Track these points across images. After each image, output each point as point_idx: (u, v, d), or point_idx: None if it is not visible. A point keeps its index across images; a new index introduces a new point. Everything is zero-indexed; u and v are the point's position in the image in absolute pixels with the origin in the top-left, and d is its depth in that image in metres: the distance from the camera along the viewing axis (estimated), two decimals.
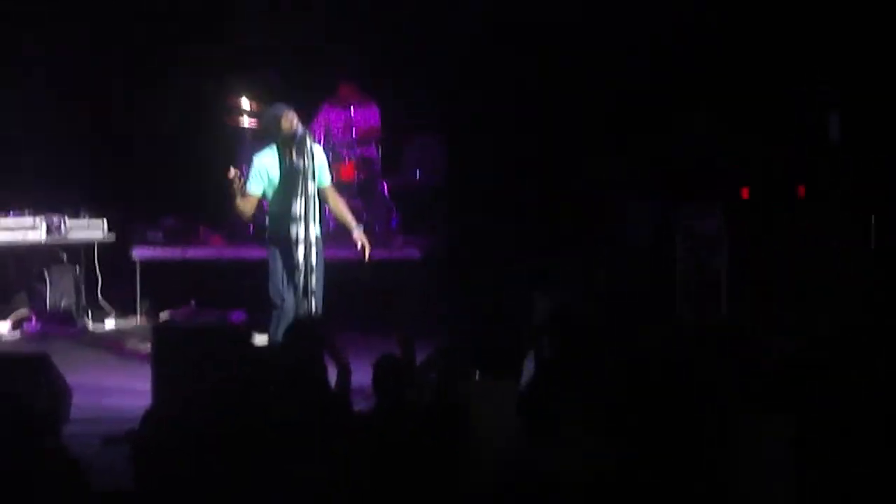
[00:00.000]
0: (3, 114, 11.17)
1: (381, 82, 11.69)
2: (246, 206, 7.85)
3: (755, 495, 4.84)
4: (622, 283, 9.86)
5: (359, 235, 8.00)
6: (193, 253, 11.04)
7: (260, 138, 8.92)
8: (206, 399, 5.34)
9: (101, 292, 10.81)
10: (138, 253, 10.95)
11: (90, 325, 10.62)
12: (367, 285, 10.09)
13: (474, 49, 11.66)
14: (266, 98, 10.96)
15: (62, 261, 10.73)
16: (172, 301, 10.67)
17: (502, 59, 11.65)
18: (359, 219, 9.02)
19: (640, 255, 10.53)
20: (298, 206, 7.65)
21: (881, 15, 10.49)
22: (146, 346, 8.64)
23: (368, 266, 9.06)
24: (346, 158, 11.32)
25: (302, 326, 6.61)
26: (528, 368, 6.21)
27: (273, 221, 7.88)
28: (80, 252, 10.77)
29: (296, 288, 7.67)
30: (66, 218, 10.57)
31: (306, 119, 9.94)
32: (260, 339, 8.07)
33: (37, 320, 10.44)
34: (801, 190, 10.65)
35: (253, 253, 10.14)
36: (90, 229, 10.74)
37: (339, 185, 10.80)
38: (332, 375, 7.20)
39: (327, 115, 11.59)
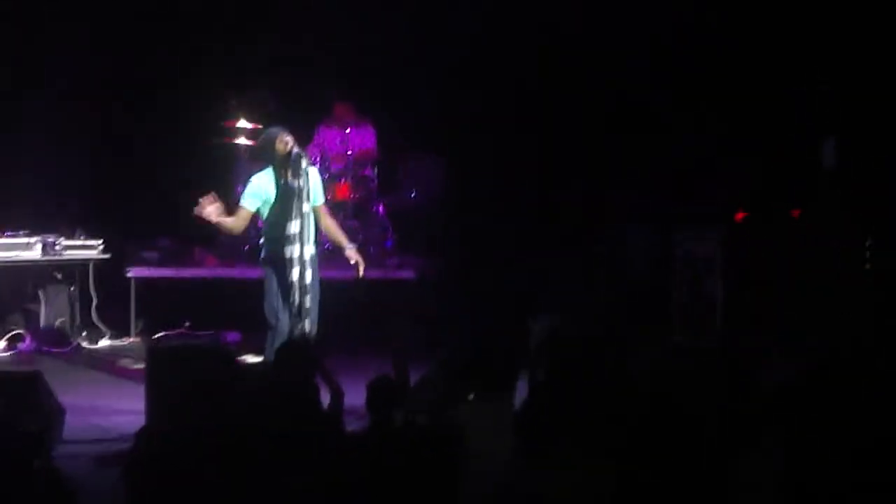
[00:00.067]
0: (4, 135, 11.20)
1: (377, 102, 11.71)
2: (237, 223, 7.89)
3: None
4: (618, 305, 9.86)
5: (352, 253, 8.06)
6: (188, 273, 11.06)
7: (256, 159, 8.94)
8: (198, 419, 5.33)
9: (96, 312, 10.82)
10: (133, 273, 10.96)
11: (84, 344, 10.61)
12: (362, 305, 10.10)
13: (469, 68, 11.69)
14: (262, 119, 11.01)
15: (57, 280, 10.73)
16: (167, 321, 10.67)
17: (498, 78, 11.68)
18: (354, 239, 9.04)
19: (636, 278, 10.53)
20: (293, 227, 7.69)
21: (878, 36, 10.52)
22: (139, 365, 8.62)
23: (363, 286, 9.08)
24: (343, 178, 11.34)
25: (293, 347, 6.61)
26: (521, 390, 6.21)
27: (268, 241, 7.91)
28: (75, 272, 10.78)
29: (291, 307, 7.69)
30: (62, 238, 10.57)
31: (303, 140, 9.98)
32: (253, 361, 8.07)
33: (31, 339, 10.43)
34: (796, 213, 10.65)
35: (247, 273, 10.15)
36: (85, 249, 10.75)
37: (335, 204, 10.85)
38: (326, 395, 7.19)
39: (323, 136, 11.62)
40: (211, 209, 7.72)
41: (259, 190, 7.84)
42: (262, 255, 7.99)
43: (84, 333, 10.67)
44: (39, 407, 6.86)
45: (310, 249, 7.78)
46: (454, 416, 5.78)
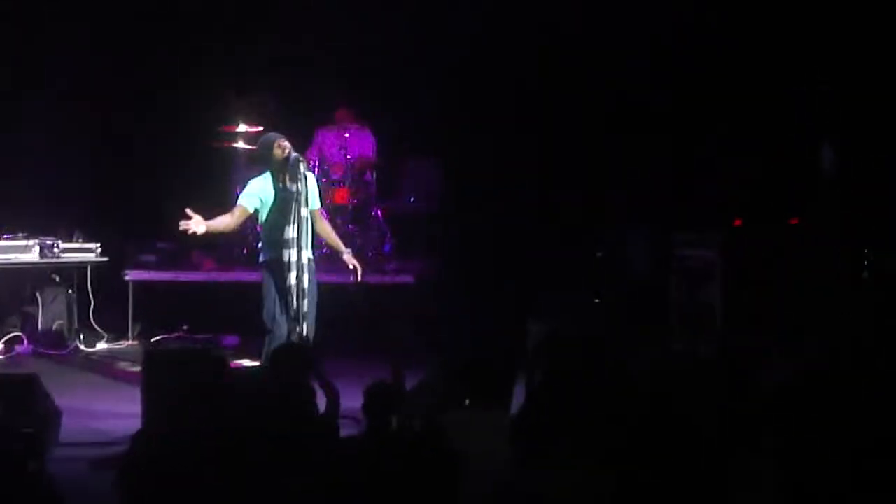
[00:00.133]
0: (3, 135, 11.19)
1: (376, 103, 11.70)
2: (231, 221, 7.91)
3: None
4: (618, 307, 9.85)
5: (349, 258, 8.11)
6: (186, 276, 11.04)
7: (254, 163, 8.95)
8: (194, 423, 5.30)
9: (94, 315, 10.79)
10: (131, 276, 10.95)
11: (82, 347, 10.59)
12: (359, 309, 10.09)
13: (469, 69, 11.67)
14: (262, 121, 11.00)
15: (55, 283, 10.71)
16: (165, 324, 10.65)
17: (498, 78, 11.67)
18: (352, 244, 9.04)
19: (635, 279, 10.52)
20: (291, 231, 7.71)
21: (878, 36, 10.51)
22: (136, 367, 8.60)
23: (361, 290, 9.07)
24: (341, 183, 11.32)
25: (286, 351, 6.59)
26: (519, 395, 6.19)
27: (266, 246, 7.94)
28: (72, 274, 10.76)
29: (288, 311, 7.69)
30: (60, 240, 10.56)
31: (302, 143, 9.97)
32: (250, 365, 8.06)
33: (28, 342, 10.41)
34: (795, 221, 10.64)
35: (245, 277, 10.13)
36: (83, 252, 10.73)
37: (334, 209, 10.84)
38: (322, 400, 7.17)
39: (322, 140, 11.61)
40: (193, 223, 7.72)
41: (257, 192, 7.88)
42: (260, 258, 8.02)
43: (81, 336, 10.65)
44: (35, 409, 6.84)
45: (307, 253, 7.81)
46: (450, 421, 5.76)
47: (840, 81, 10.52)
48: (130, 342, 10.78)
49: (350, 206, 11.35)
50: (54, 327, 10.57)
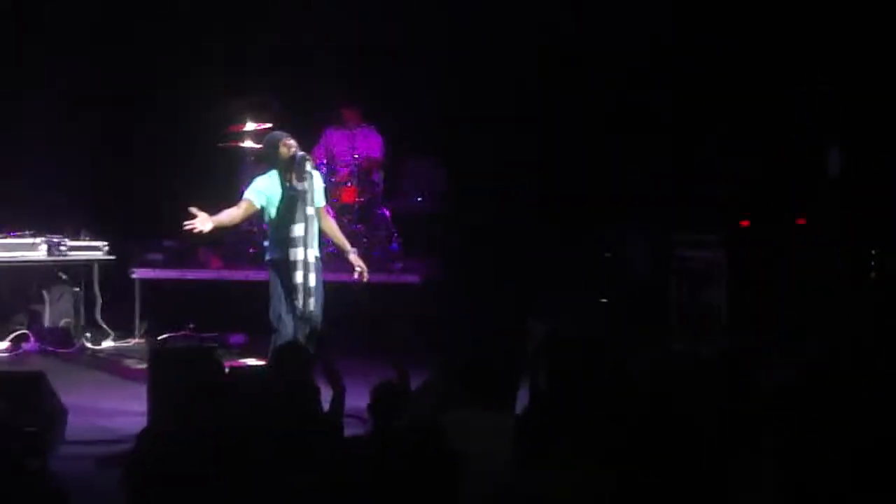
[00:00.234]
0: (5, 135, 11.21)
1: (377, 103, 11.72)
2: (237, 213, 7.91)
3: None
4: (618, 307, 9.86)
5: (355, 259, 8.12)
6: (193, 275, 11.07)
7: (260, 162, 8.98)
8: (200, 421, 5.34)
9: (100, 313, 10.83)
10: (138, 274, 10.99)
11: (88, 345, 10.63)
12: (365, 308, 10.11)
13: (469, 69, 11.69)
14: (268, 121, 11.03)
15: (62, 281, 10.75)
16: (171, 323, 10.69)
17: (498, 78, 11.68)
18: (359, 243, 9.05)
19: (636, 279, 10.53)
20: (298, 229, 7.73)
21: (879, 36, 10.52)
22: (142, 365, 8.64)
23: (367, 289, 9.08)
24: (349, 182, 11.35)
25: (289, 349, 6.62)
26: (523, 397, 6.20)
27: (273, 244, 7.96)
28: (79, 272, 10.79)
29: (295, 310, 7.71)
30: (67, 238, 10.60)
31: (309, 141, 10.00)
32: (255, 364, 8.08)
33: (35, 339, 10.45)
34: (801, 221, 10.65)
35: (252, 275, 10.16)
36: (90, 250, 10.77)
37: (340, 208, 10.87)
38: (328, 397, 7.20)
39: (330, 139, 11.63)
40: (199, 221, 7.74)
41: (264, 189, 7.90)
42: (267, 257, 8.03)
43: (88, 334, 10.69)
44: (42, 407, 6.87)
45: (314, 252, 7.82)
46: (452, 419, 5.78)
47: (840, 81, 10.54)
48: (137, 340, 10.83)
49: (357, 206, 11.37)
50: (61, 325, 10.62)
